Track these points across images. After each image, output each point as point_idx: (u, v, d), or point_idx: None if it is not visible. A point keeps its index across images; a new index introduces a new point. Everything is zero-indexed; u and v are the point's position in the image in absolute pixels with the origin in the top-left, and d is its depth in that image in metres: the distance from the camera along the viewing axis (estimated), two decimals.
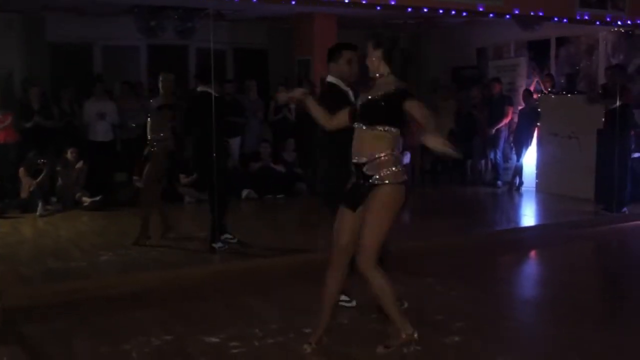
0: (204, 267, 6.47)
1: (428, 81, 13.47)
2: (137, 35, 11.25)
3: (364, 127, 4.22)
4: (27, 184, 9.19)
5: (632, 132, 9.31)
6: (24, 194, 9.20)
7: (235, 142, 10.88)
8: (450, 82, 13.50)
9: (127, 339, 4.69)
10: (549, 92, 11.36)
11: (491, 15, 8.86)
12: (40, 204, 9.09)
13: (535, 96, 11.43)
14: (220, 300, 5.60)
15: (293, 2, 8.30)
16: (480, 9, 8.39)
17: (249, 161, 10.74)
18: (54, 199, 9.52)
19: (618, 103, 8.92)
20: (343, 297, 5.15)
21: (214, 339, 4.62)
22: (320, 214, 9.48)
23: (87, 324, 5.10)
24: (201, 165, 7.15)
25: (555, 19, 9.02)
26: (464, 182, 12.38)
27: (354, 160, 4.26)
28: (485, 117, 11.78)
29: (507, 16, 8.80)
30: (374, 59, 4.38)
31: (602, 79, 10.57)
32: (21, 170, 9.27)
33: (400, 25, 13.01)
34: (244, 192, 10.31)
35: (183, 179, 10.10)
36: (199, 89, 7.14)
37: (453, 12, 8.38)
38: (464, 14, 8.69)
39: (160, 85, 7.65)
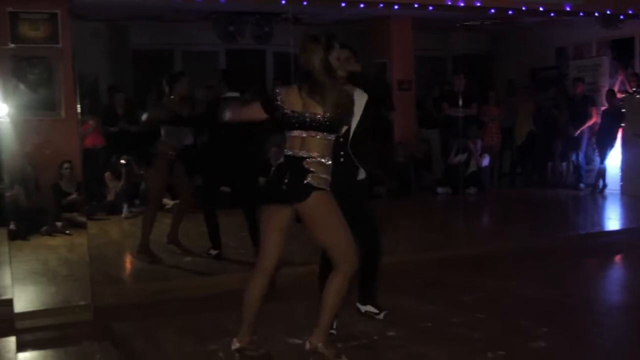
0: (286, 269, 6.52)
1: (505, 83, 13.27)
2: (216, 41, 11.46)
3: None
4: (113, 188, 9.49)
5: None
6: (110, 197, 9.51)
7: None
8: (528, 83, 13.26)
9: (213, 338, 4.78)
10: (634, 91, 11.03)
11: (567, 9, 8.65)
12: (125, 207, 9.38)
13: (618, 96, 11.13)
14: (302, 302, 5.63)
15: (362, 5, 8.30)
16: (567, 9, 8.22)
17: None
18: (138, 202, 9.79)
19: None
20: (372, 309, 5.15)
21: (297, 341, 4.65)
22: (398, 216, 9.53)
23: (174, 323, 5.23)
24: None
25: None
26: (544, 184, 12.13)
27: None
28: (567, 118, 11.54)
29: (596, 13, 8.59)
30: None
31: None
32: (107, 174, 9.58)
33: (477, 26, 12.89)
34: None
35: (262, 182, 10.22)
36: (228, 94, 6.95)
37: (539, 10, 8.24)
38: (552, 14, 8.53)
39: None
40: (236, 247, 7.27)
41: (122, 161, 9.62)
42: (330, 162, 4.07)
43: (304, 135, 4.03)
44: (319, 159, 4.02)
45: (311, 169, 3.99)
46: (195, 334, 4.93)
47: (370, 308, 5.14)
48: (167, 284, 6.16)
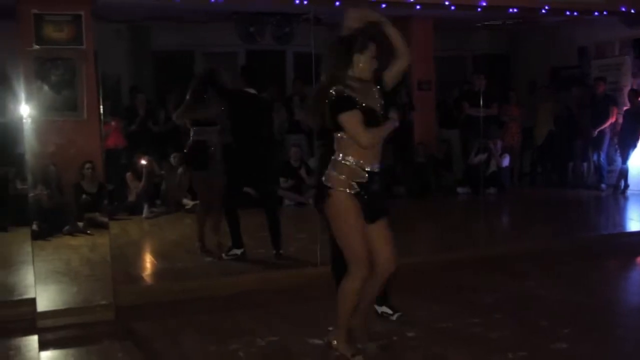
0: (306, 270, 6.54)
1: (526, 82, 13.20)
2: (237, 42, 11.51)
3: None
4: (134, 188, 9.56)
5: None
6: (131, 198, 9.58)
7: None
8: (549, 82, 13.18)
9: (234, 338, 4.81)
10: None
11: (596, 13, 8.63)
12: (146, 207, 9.45)
13: None
14: (324, 302, 5.63)
15: (383, 6, 8.33)
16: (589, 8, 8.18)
17: None
18: (158, 202, 9.85)
19: None
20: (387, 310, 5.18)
21: (317, 341, 4.66)
22: (417, 217, 9.52)
23: (195, 322, 5.26)
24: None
25: None
26: (565, 184, 12.06)
27: (370, 169, 4.03)
28: (588, 118, 11.46)
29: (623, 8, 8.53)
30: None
31: None
32: (128, 174, 9.65)
33: (497, 26, 12.83)
34: None
35: (283, 182, 10.26)
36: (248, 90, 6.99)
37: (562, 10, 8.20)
38: (568, 13, 8.49)
39: None
40: (255, 246, 7.28)
41: (143, 162, 9.69)
42: (341, 160, 4.01)
43: (338, 135, 4.05)
44: (336, 156, 4.06)
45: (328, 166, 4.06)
46: (216, 334, 4.96)
47: (385, 309, 5.15)
48: (188, 283, 6.19)
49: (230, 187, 7.18)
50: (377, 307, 5.17)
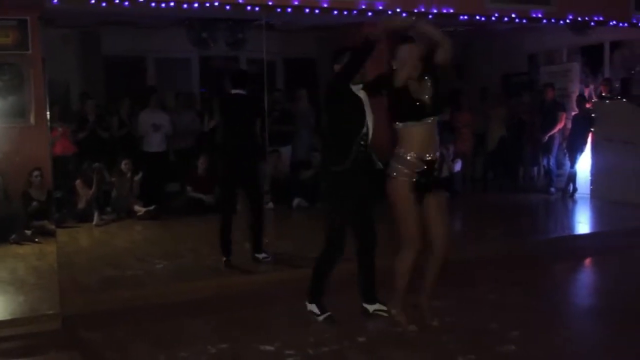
0: (259, 275, 6.51)
1: (477, 89, 13.36)
2: (189, 47, 11.43)
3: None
4: (84, 195, 9.39)
5: None
6: (81, 205, 9.41)
7: (285, 151, 10.97)
8: (500, 89, 13.37)
9: (184, 346, 4.77)
10: (603, 96, 11.19)
11: (544, 21, 8.79)
12: (96, 214, 9.28)
13: (588, 105, 11.28)
14: (276, 308, 5.64)
15: (335, 12, 8.39)
16: (537, 15, 8.33)
17: (299, 169, 10.79)
18: (109, 209, 9.70)
19: None
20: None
21: (269, 347, 4.65)
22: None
23: (145, 331, 5.19)
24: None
25: (612, 23, 8.89)
26: (516, 189, 12.22)
27: (428, 157, 4.80)
28: (538, 124, 11.66)
29: (562, 22, 8.73)
30: None
31: None
32: (78, 182, 9.47)
33: (450, 32, 12.97)
34: (295, 201, 10.34)
35: None
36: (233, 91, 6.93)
37: (506, 19, 8.32)
38: (517, 20, 8.64)
39: None
40: (208, 253, 7.23)
41: (93, 168, 9.53)
42: (403, 155, 4.92)
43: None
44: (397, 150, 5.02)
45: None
46: (165, 342, 4.89)
47: (314, 308, 5.17)
48: (138, 291, 6.10)
49: (223, 190, 7.14)
50: (307, 304, 5.22)
